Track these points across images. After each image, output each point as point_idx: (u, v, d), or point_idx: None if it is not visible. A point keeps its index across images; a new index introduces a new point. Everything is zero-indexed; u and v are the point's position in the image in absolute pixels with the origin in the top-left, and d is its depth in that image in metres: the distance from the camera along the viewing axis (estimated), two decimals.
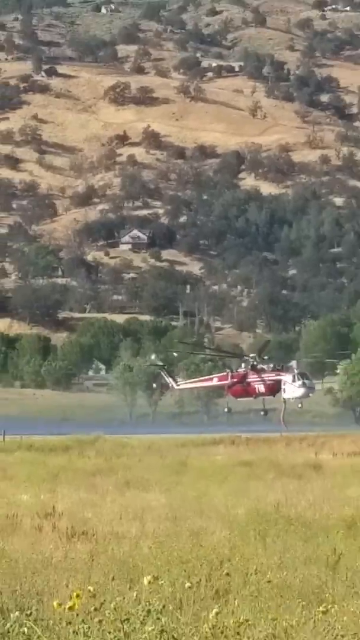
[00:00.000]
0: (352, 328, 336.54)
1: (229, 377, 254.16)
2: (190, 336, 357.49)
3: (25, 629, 15.62)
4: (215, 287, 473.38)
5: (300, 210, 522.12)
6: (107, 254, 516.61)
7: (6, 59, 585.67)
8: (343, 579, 24.47)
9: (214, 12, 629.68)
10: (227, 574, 23.25)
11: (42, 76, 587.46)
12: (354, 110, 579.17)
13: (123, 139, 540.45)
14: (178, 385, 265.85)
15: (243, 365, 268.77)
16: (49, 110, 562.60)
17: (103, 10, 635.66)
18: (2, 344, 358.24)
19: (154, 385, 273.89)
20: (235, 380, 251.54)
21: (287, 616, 17.19)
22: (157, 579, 17.53)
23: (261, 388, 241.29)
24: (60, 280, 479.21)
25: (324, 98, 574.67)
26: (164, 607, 16.20)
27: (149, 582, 17.08)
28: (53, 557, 30.66)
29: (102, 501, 46.81)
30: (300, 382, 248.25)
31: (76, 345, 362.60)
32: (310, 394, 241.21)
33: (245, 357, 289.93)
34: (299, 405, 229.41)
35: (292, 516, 40.31)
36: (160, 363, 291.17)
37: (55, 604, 15.88)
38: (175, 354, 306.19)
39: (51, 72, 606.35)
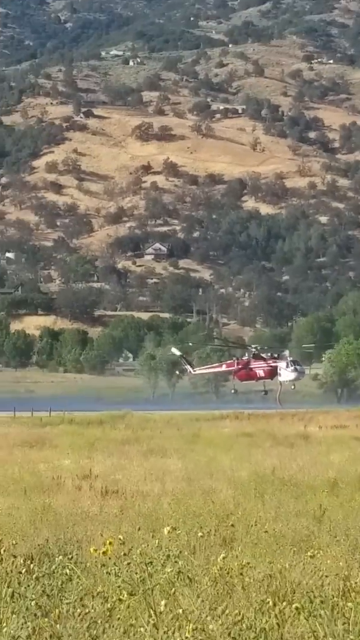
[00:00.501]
0: (334, 323, 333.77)
1: (235, 364, 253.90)
2: (202, 330, 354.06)
3: (67, 570, 16.49)
4: (223, 290, 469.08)
5: (292, 227, 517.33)
6: (134, 263, 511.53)
7: (51, 103, 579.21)
8: (327, 530, 24.37)
9: (221, 65, 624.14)
10: (232, 525, 23.97)
11: (81, 117, 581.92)
12: (337, 145, 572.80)
13: (147, 169, 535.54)
14: (195, 370, 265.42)
15: (246, 354, 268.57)
16: (87, 145, 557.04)
17: (131, 63, 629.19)
18: (48, 337, 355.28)
19: (177, 371, 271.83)
20: (240, 366, 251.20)
21: (281, 560, 17.69)
22: (175, 530, 17.81)
23: (261, 373, 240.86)
24: (95, 285, 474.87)
25: (312, 135, 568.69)
26: (180, 552, 16.39)
27: (168, 532, 17.54)
28: (90, 511, 30.53)
29: (130, 465, 46.84)
30: (292, 368, 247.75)
31: (109, 337, 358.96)
32: (301, 378, 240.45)
33: (249, 347, 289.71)
34: (292, 387, 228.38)
35: (285, 478, 40.21)
36: (179, 353, 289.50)
37: (91, 549, 16.27)
38: (190, 344, 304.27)
39: (88, 114, 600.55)
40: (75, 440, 63.86)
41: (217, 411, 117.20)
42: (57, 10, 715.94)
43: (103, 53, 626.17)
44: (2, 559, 15.23)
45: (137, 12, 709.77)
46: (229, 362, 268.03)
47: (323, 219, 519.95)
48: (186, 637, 10.00)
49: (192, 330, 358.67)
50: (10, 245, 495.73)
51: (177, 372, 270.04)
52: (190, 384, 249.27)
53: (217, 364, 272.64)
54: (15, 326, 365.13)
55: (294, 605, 11.94)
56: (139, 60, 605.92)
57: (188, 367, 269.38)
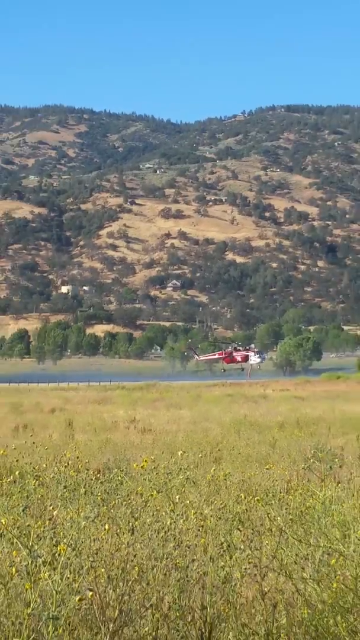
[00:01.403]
0: (281, 328, 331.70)
1: (224, 354, 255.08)
2: (202, 333, 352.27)
3: (119, 478, 16.86)
4: (214, 308, 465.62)
5: (255, 270, 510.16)
6: (160, 292, 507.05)
7: (110, 196, 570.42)
8: (277, 452, 24.03)
9: (212, 173, 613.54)
10: (219, 450, 24.41)
11: (128, 204, 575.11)
12: (282, 220, 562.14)
13: (168, 235, 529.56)
14: (199, 357, 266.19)
15: (230, 347, 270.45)
16: (131, 222, 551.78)
17: (158, 172, 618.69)
18: (109, 337, 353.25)
19: (187, 358, 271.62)
20: (226, 355, 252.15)
21: (249, 471, 17.73)
22: (185, 453, 17.95)
23: (239, 358, 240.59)
24: (137, 305, 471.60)
25: (267, 214, 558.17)
26: (188, 466, 16.18)
27: (181, 454, 17.02)
28: (134, 442, 30.20)
29: (158, 414, 46.44)
30: (257, 356, 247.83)
31: (145, 337, 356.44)
32: (263, 361, 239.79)
33: (231, 343, 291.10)
34: (258, 367, 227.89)
35: (252, 421, 39.20)
36: (191, 347, 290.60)
37: (134, 465, 15.81)
38: (190, 340, 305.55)
39: (132, 203, 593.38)
40: (125, 399, 63.63)
41: (212, 382, 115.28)
42: (113, 140, 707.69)
43: (140, 166, 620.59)
44: (80, 470, 15.60)
45: (161, 141, 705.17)
46: (219, 352, 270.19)
47: (274, 265, 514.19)
48: (190, 517, 10.24)
49: (196, 333, 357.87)
50: (86, 282, 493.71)
51: (187, 358, 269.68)
52: (195, 365, 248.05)
53: (212, 354, 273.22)
54: (89, 331, 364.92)
55: (256, 498, 12.14)
56: (162, 170, 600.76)
57: (195, 355, 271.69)
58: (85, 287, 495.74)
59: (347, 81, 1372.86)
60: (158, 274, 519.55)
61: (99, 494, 13.36)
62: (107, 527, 8.17)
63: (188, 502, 10.74)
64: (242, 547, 8.05)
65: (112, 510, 11.87)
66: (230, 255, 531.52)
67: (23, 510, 8.49)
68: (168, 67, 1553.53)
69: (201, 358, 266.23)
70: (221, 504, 11.65)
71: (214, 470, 15.79)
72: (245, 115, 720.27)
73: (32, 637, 5.88)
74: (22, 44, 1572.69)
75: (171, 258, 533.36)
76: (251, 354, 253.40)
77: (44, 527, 7.59)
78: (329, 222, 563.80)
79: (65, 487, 11.54)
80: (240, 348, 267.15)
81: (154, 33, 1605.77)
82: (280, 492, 13.07)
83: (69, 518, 8.58)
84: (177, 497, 10.66)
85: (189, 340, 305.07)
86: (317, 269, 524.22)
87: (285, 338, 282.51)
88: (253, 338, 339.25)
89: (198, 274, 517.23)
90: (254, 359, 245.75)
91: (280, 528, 8.52)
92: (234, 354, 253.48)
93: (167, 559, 7.46)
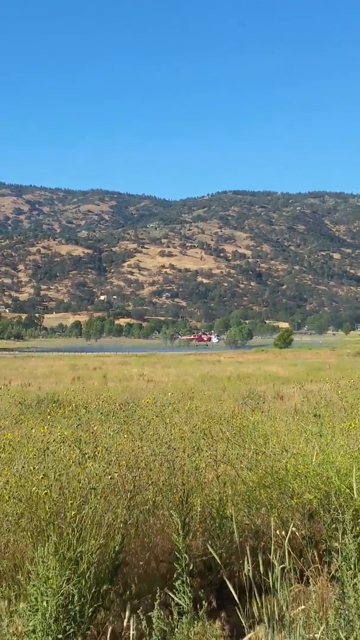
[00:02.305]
0: (229, 321, 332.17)
1: (198, 336, 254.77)
2: (182, 324, 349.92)
3: (134, 408, 16.52)
4: (190, 309, 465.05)
5: (214, 287, 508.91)
6: (158, 299, 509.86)
7: (129, 243, 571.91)
8: (226, 394, 24.04)
9: (189, 230, 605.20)
10: (192, 392, 24.40)
11: (139, 248, 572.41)
12: (230, 258, 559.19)
13: (163, 267, 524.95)
14: (182, 337, 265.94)
15: (200, 332, 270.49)
16: (142, 258, 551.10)
17: (157, 229, 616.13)
18: (128, 326, 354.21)
19: (174, 338, 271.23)
20: (198, 337, 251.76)
21: (210, 404, 17.71)
22: (172, 394, 17.97)
23: (205, 339, 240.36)
24: (145, 307, 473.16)
25: (222, 254, 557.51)
26: (174, 402, 15.47)
27: (170, 395, 17.12)
28: (142, 387, 30.34)
29: (157, 371, 46.37)
30: (217, 337, 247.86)
31: (149, 326, 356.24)
32: (219, 341, 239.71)
33: (201, 330, 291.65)
34: (215, 344, 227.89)
35: (212, 375, 39.36)
36: (178, 332, 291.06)
37: (143, 401, 16.03)
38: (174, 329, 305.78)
39: (142, 247, 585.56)
40: (137, 362, 63.27)
41: (188, 352, 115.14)
42: (131, 210, 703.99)
43: (147, 225, 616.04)
44: (110, 403, 15.56)
45: (160, 211, 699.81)
46: (194, 334, 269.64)
47: (225, 284, 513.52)
48: (175, 431, 10.27)
49: (179, 324, 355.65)
50: (115, 293, 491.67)
51: (174, 338, 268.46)
52: (179, 343, 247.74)
53: (189, 335, 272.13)
54: (116, 322, 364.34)
55: (214, 420, 12.22)
56: (160, 228, 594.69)
57: (179, 336, 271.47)
58: (114, 296, 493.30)
59: (270, 173, 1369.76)
60: (157, 289, 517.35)
61: (122, 417, 13.39)
62: (125, 436, 8.24)
63: (174, 422, 10.76)
64: (205, 449, 8.11)
65: (129, 427, 11.92)
66: (199, 279, 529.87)
67: (77, 427, 8.59)
68: (166, 164, 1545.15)
69: (182, 338, 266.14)
70: (193, 424, 11.67)
71: (189, 404, 15.80)
72: (209, 196, 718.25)
73: (81, 500, 5.91)
74: (78, 146, 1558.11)
75: (165, 280, 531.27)
76: (212, 336, 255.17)
77: (89, 437, 7.68)
78: (257, 260, 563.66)
79: (101, 413, 11.55)
80: (206, 333, 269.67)
81: (157, 136, 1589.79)
82: (228, 417, 13.08)
83: (104, 431, 8.63)
84: (168, 419, 10.67)
85: (174, 329, 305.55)
86: (250, 287, 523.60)
87: (232, 327, 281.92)
88: (213, 327, 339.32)
89: (181, 289, 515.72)
90: (214, 339, 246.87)
91: (228, 438, 8.59)
92: (202, 336, 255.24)
93: (161, 455, 7.57)
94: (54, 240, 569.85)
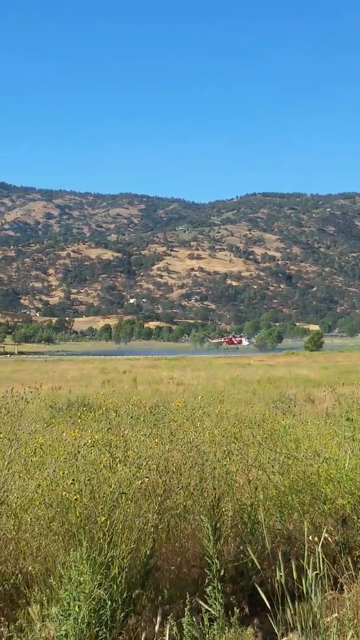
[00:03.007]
0: (259, 324, 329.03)
1: (228, 338, 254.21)
2: (212, 327, 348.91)
3: (163, 411, 16.50)
4: (219, 312, 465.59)
5: (243, 290, 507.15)
6: (188, 302, 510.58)
7: (158, 246, 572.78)
8: (257, 397, 23.95)
9: (218, 232, 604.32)
10: (222, 396, 24.30)
11: (169, 251, 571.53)
12: (260, 260, 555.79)
13: (192, 269, 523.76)
14: (213, 341, 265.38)
15: (231, 335, 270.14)
16: (171, 261, 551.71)
17: (186, 232, 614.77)
18: (158, 329, 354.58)
19: (204, 341, 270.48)
20: (229, 339, 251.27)
21: (240, 408, 17.65)
22: (202, 397, 17.83)
23: (235, 342, 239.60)
24: (174, 310, 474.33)
25: (251, 257, 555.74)
26: (204, 405, 15.40)
27: (200, 398, 17.00)
28: (172, 390, 30.40)
29: (186, 374, 46.25)
30: (247, 340, 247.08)
31: (179, 329, 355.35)
32: (249, 344, 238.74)
33: (231, 333, 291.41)
34: (246, 347, 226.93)
35: (242, 378, 39.32)
36: (208, 334, 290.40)
37: (173, 404, 15.58)
38: (205, 332, 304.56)
39: (171, 250, 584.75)
40: (167, 365, 63.21)
41: (218, 355, 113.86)
42: (160, 214, 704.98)
43: (177, 228, 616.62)
44: (140, 407, 15.56)
45: (189, 214, 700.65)
46: (224, 337, 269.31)
47: (255, 287, 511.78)
48: (206, 435, 10.19)
49: (208, 327, 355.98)
50: (144, 296, 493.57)
51: (204, 341, 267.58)
52: (208, 346, 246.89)
53: (219, 338, 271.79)
54: (146, 325, 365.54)
55: (245, 424, 12.11)
56: (189, 231, 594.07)
57: (209, 339, 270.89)
58: (144, 300, 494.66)
59: (299, 174, 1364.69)
60: (186, 292, 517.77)
61: (152, 421, 13.34)
62: (156, 440, 8.23)
63: (204, 426, 10.69)
64: (236, 453, 8.07)
65: (159, 431, 11.87)
66: (229, 281, 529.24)
67: (107, 430, 8.58)
68: (195, 167, 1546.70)
69: (212, 341, 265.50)
70: (224, 428, 11.59)
71: (220, 407, 15.73)
72: (238, 198, 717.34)
73: (111, 504, 5.91)
74: (109, 152, 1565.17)
75: (194, 283, 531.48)
76: (243, 339, 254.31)
77: (119, 441, 7.67)
78: (287, 262, 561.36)
79: (131, 417, 11.55)
80: (237, 336, 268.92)
81: (186, 138, 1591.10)
82: (259, 421, 12.97)
83: (134, 435, 8.61)
84: (198, 423, 10.61)
85: (204, 332, 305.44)
86: (280, 289, 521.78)
87: (262, 330, 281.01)
88: (242, 330, 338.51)
89: (210, 292, 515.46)
90: (244, 342, 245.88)
91: (259, 442, 8.53)
92: (232, 339, 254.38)
93: (191, 459, 7.53)
94: (84, 244, 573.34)
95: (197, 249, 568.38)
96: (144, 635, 5.49)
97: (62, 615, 5.25)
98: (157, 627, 5.36)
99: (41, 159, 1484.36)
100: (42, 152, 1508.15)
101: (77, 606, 5.21)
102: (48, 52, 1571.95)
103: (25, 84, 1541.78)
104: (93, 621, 5.26)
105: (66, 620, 5.21)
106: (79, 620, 5.18)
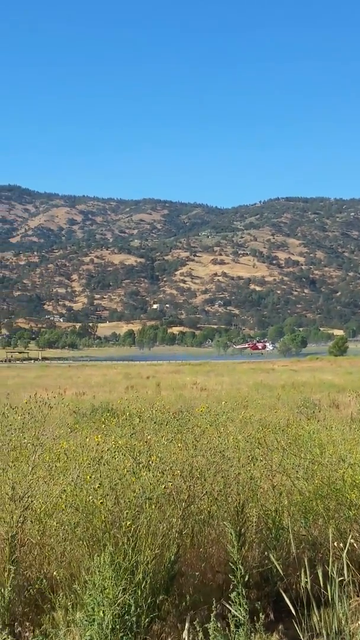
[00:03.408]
0: (283, 329, 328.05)
1: (252, 344, 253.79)
2: (235, 332, 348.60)
3: (187, 417, 16.33)
4: (243, 317, 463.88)
5: (267, 294, 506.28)
6: (211, 307, 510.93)
7: (182, 252, 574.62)
8: (281, 402, 23.80)
9: (241, 237, 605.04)
10: (246, 401, 24.19)
11: (192, 256, 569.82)
12: (283, 265, 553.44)
13: (216, 274, 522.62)
14: (236, 346, 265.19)
15: (254, 340, 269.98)
16: (194, 267, 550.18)
17: (209, 237, 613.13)
18: (181, 334, 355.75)
19: (228, 346, 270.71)
20: (253, 344, 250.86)
21: (265, 413, 17.53)
22: (226, 402, 17.75)
23: (260, 347, 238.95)
24: (198, 315, 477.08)
25: (274, 262, 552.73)
26: (228, 410, 15.26)
27: (224, 403, 16.78)
28: (196, 396, 30.14)
29: (210, 379, 46.10)
30: (271, 345, 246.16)
31: (202, 334, 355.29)
32: (273, 349, 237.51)
33: (255, 338, 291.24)
34: (270, 352, 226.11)
35: (266, 384, 39.04)
36: (232, 340, 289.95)
37: (196, 410, 15.40)
38: (229, 337, 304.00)
39: (194, 255, 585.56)
40: (190, 371, 63.03)
41: (242, 360, 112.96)
42: (182, 219, 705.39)
43: (199, 234, 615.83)
44: (164, 412, 15.51)
45: (212, 219, 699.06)
46: (248, 342, 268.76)
47: (279, 292, 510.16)
48: (230, 440, 10.12)
49: (232, 333, 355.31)
50: (167, 302, 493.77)
51: (227, 346, 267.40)
52: (232, 351, 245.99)
53: (243, 344, 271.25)
54: (169, 331, 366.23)
55: (269, 429, 12.03)
56: (212, 236, 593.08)
57: (233, 345, 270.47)
58: (167, 305, 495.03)
59: (322, 179, 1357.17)
60: (210, 297, 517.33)
61: (175, 426, 13.33)
62: (179, 445, 8.23)
63: (228, 431, 10.67)
64: (260, 458, 8.04)
65: (183, 436, 11.84)
66: (252, 286, 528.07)
67: (131, 436, 8.61)
68: (217, 172, 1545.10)
69: (237, 347, 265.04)
70: (248, 433, 11.55)
71: (244, 413, 15.68)
72: (261, 203, 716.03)
73: (136, 509, 5.92)
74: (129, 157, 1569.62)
75: (217, 288, 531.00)
76: (267, 344, 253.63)
77: (143, 446, 7.69)
78: (311, 267, 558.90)
79: (155, 422, 11.56)
80: (261, 341, 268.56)
81: (208, 144, 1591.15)
82: (282, 426, 12.90)
83: (158, 440, 8.61)
84: (222, 428, 10.60)
85: (227, 337, 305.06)
86: (304, 294, 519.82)
87: (286, 334, 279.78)
88: (266, 335, 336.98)
89: (233, 297, 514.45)
90: (268, 347, 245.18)
91: (283, 447, 8.49)
92: (257, 344, 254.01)
93: (215, 465, 7.53)
94: (107, 249, 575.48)
95: (220, 254, 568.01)
96: None
97: (86, 621, 5.26)
98: (185, 633, 5.36)
99: (64, 165, 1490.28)
100: (66, 158, 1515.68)
101: (101, 611, 5.22)
102: (72, 56, 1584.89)
103: (49, 90, 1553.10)
104: (117, 626, 5.26)
105: (91, 625, 5.21)
106: (104, 625, 5.17)
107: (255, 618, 5.54)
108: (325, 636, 5.29)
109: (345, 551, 5.51)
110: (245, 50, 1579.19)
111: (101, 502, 5.96)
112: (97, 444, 7.47)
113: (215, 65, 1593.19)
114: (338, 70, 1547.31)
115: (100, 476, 6.36)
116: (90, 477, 6.36)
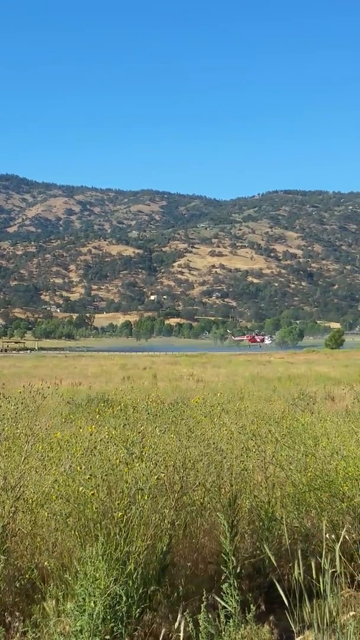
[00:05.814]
0: (280, 321, 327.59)
1: (250, 336, 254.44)
2: (232, 325, 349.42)
3: (182, 408, 16.34)
4: (240, 309, 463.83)
5: (264, 287, 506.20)
6: (208, 299, 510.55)
7: (179, 243, 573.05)
8: (276, 394, 23.78)
9: (239, 230, 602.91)
10: (242, 393, 24.21)
11: (190, 248, 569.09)
12: (281, 257, 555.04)
13: (213, 266, 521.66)
14: (234, 338, 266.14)
15: (253, 333, 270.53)
16: (192, 258, 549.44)
17: (207, 229, 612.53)
18: (178, 326, 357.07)
19: (226, 338, 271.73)
20: (251, 337, 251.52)
21: (260, 405, 17.63)
22: (221, 394, 17.84)
23: (258, 340, 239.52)
24: (195, 307, 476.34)
25: (272, 254, 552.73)
26: (223, 402, 15.29)
27: (219, 395, 17.07)
28: (192, 387, 30.02)
29: (206, 371, 45.99)
30: (269, 339, 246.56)
31: (199, 326, 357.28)
32: (270, 342, 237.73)
33: (253, 331, 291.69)
34: (269, 344, 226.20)
35: (262, 376, 38.90)
36: (230, 332, 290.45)
37: (192, 401, 15.36)
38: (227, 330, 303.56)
39: (192, 247, 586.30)
40: (187, 362, 63.05)
41: (238, 352, 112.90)
42: (181, 210, 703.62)
43: (198, 225, 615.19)
44: (160, 403, 15.51)
45: (210, 211, 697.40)
46: (247, 335, 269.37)
47: (276, 284, 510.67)
48: (224, 432, 10.14)
49: (229, 324, 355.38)
50: (165, 293, 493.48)
51: (224, 338, 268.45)
52: (229, 343, 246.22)
53: (242, 336, 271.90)
54: (166, 322, 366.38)
55: (263, 421, 12.05)
56: (210, 228, 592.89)
57: (231, 336, 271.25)
58: (164, 296, 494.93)
59: (321, 172, 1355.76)
60: (207, 289, 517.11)
61: (170, 417, 13.34)
62: (173, 436, 8.22)
63: (222, 423, 10.68)
64: (254, 450, 8.04)
65: (177, 427, 11.86)
66: (250, 279, 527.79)
67: (123, 426, 8.60)
68: (216, 164, 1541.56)
69: (235, 339, 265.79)
70: (242, 424, 11.56)
71: (239, 404, 15.71)
72: (259, 195, 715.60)
73: (128, 500, 5.90)
74: (131, 149, 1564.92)
75: (215, 280, 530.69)
76: (266, 337, 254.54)
77: (136, 437, 7.67)
78: (308, 259, 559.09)
79: (149, 413, 11.56)
80: (260, 334, 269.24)
81: (208, 136, 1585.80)
82: (277, 418, 12.91)
83: (151, 431, 8.60)
84: (216, 420, 10.61)
85: (225, 329, 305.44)
86: (301, 287, 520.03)
87: (282, 327, 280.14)
88: (263, 327, 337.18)
89: (231, 289, 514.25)
90: (266, 340, 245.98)
91: (277, 439, 8.50)
92: (255, 337, 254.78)
93: (208, 456, 7.52)
94: (105, 240, 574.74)
95: (218, 246, 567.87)
96: (162, 631, 5.50)
97: (77, 611, 5.24)
98: (177, 624, 5.33)
99: (62, 155, 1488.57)
100: (64, 148, 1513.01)
101: (92, 602, 5.21)
102: (71, 45, 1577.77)
103: (48, 80, 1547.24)
104: (108, 617, 5.27)
105: (81, 615, 5.20)
106: (94, 615, 5.16)
107: (246, 609, 5.51)
108: (316, 627, 5.26)
109: (339, 543, 5.47)
110: (245, 42, 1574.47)
111: (92, 493, 5.94)
112: (91, 434, 7.44)
113: (214, 58, 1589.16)
114: (337, 63, 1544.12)
115: (92, 467, 6.34)
116: (82, 468, 6.35)
